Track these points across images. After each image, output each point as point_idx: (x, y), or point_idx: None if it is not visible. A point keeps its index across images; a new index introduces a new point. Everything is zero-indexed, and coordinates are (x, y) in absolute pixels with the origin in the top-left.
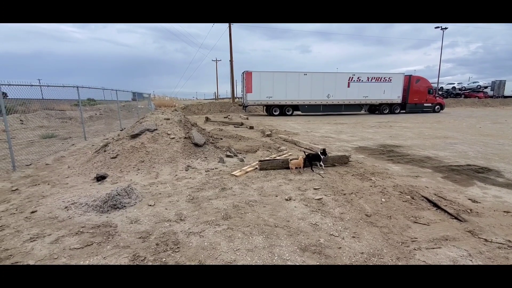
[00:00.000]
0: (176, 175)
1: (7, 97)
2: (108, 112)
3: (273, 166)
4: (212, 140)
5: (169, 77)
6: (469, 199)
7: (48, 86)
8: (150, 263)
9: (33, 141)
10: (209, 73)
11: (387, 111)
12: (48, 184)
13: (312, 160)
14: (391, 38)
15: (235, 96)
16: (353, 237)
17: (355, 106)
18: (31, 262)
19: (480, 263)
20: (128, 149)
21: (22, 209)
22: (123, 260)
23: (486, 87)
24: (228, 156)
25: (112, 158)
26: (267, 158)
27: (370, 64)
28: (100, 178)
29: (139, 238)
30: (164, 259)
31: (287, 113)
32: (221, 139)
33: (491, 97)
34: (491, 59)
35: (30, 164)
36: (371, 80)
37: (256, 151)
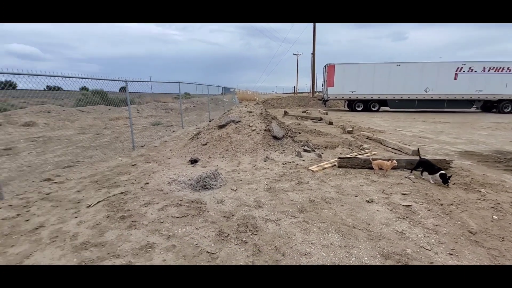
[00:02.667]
0: (255, 165)
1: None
2: (199, 104)
3: (354, 165)
4: (291, 133)
5: (252, 72)
6: None
7: (159, 82)
8: (232, 240)
9: (146, 127)
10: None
11: (509, 109)
12: (156, 162)
13: (425, 168)
14: None
15: (315, 90)
16: (450, 254)
17: (463, 102)
18: (145, 223)
19: None
20: (216, 138)
21: (138, 180)
22: (211, 233)
23: None
24: (305, 150)
25: (202, 145)
26: (347, 156)
27: (488, 52)
28: (193, 162)
29: (224, 217)
30: (244, 239)
31: (373, 108)
32: (299, 133)
33: None
34: None
35: (144, 146)
36: (488, 71)
37: (335, 147)
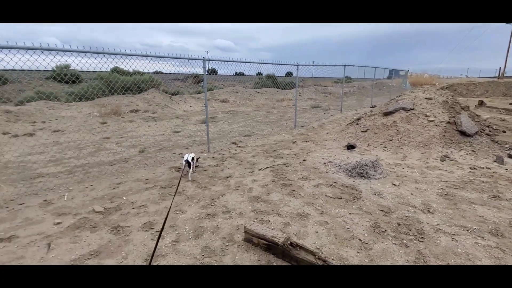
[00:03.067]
0: (427, 162)
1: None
2: (360, 89)
3: None
4: (489, 131)
5: (433, 51)
6: None
7: (325, 65)
8: (390, 238)
9: (305, 109)
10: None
11: None
12: (313, 142)
13: None
14: None
15: None
16: None
17: None
18: (302, 194)
19: None
20: (379, 125)
21: (297, 156)
22: (365, 222)
23: None
24: (510, 156)
25: (362, 131)
26: None
27: None
28: (350, 147)
29: (381, 210)
30: (405, 241)
31: None
32: (504, 132)
33: None
34: None
35: (303, 126)
36: None
37: None
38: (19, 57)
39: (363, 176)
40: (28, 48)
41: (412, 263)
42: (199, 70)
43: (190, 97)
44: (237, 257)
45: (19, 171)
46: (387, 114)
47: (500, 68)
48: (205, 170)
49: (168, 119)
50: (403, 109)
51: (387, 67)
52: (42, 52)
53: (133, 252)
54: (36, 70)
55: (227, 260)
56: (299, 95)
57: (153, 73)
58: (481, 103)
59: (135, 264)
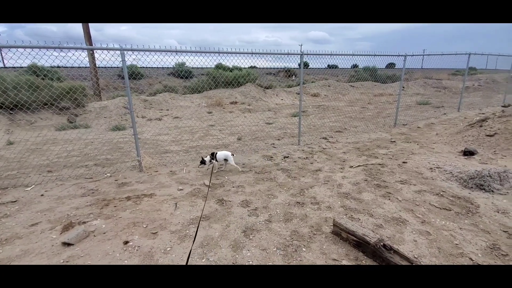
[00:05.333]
0: None
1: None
2: (489, 83)
3: None
4: None
5: None
6: None
7: (440, 54)
8: (511, 263)
9: (410, 106)
10: None
11: None
12: (417, 144)
13: None
14: None
15: None
16: None
17: None
18: (400, 198)
19: None
20: (511, 129)
21: (396, 157)
22: (480, 241)
23: None
24: None
25: (487, 135)
26: None
27: None
28: (468, 153)
29: (504, 231)
30: None
31: None
32: None
33: None
34: None
35: (406, 124)
36: None
37: None
38: (150, 58)
39: (484, 189)
40: (154, 50)
41: None
42: (291, 64)
43: (282, 90)
44: (324, 247)
45: (153, 146)
46: None
47: None
48: (295, 161)
49: (261, 111)
50: None
51: None
52: (166, 54)
53: (234, 223)
54: (161, 68)
55: (315, 247)
56: (403, 89)
57: (249, 68)
58: None
59: (235, 232)
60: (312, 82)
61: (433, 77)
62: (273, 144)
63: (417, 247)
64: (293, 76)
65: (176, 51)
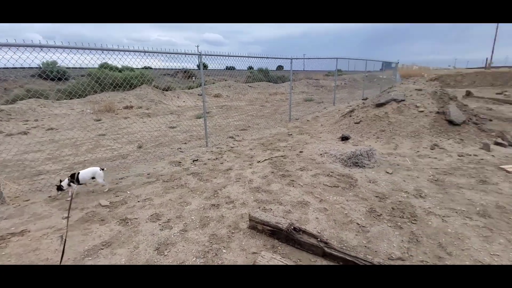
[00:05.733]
0: (418, 151)
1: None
2: (351, 82)
3: None
4: (476, 120)
5: (423, 43)
6: None
7: (318, 58)
8: (385, 221)
9: (299, 102)
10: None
11: None
12: (309, 135)
13: None
14: None
15: None
16: None
17: None
18: (301, 184)
19: None
20: (371, 117)
21: (294, 148)
22: (362, 208)
23: None
24: (497, 143)
25: (355, 123)
26: None
27: None
28: (344, 138)
29: (376, 196)
30: (399, 224)
31: None
32: (490, 120)
33: None
34: None
35: (298, 119)
36: None
37: None
38: (2, 55)
39: (358, 166)
40: (11, 45)
41: (406, 242)
42: (188, 64)
43: (183, 92)
44: (243, 243)
45: (19, 169)
46: (379, 105)
47: (487, 58)
48: (205, 163)
49: (162, 115)
50: (395, 100)
51: (378, 59)
52: (26, 49)
53: (143, 242)
54: (21, 68)
55: (234, 246)
56: (291, 88)
57: (143, 68)
58: (468, 94)
59: (147, 252)
60: (213, 83)
61: (313, 77)
62: (180, 148)
63: (319, 223)
64: (193, 77)
65: (42, 46)
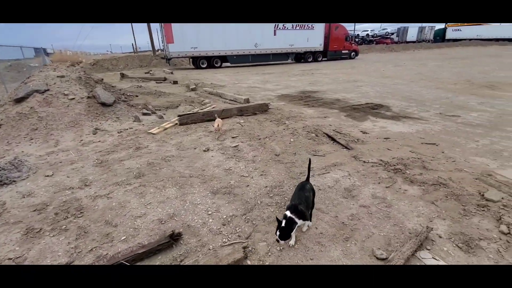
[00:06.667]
0: (82, 140)
1: None
2: None
3: (194, 120)
4: (125, 97)
5: (72, 27)
6: (360, 131)
7: None
8: (47, 233)
9: None
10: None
11: (311, 59)
12: None
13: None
14: None
15: (157, 48)
16: (261, 175)
17: (283, 55)
18: None
19: (356, 180)
20: (14, 116)
21: None
22: (16, 235)
23: (392, 34)
24: (145, 114)
25: None
26: (188, 112)
27: None
28: None
29: (34, 211)
30: (64, 227)
31: (216, 65)
32: (137, 96)
33: (396, 42)
34: None
35: None
36: (295, 28)
37: (178, 106)
38: None
39: (5, 183)
40: None
41: (73, 242)
42: None
43: None
44: None
45: None
46: (19, 100)
47: (132, 44)
48: None
49: None
50: (37, 91)
51: (22, 45)
52: None
53: None
54: None
55: None
56: None
57: None
58: (122, 76)
59: None
60: None
61: None
62: None
63: None
64: None
65: None
